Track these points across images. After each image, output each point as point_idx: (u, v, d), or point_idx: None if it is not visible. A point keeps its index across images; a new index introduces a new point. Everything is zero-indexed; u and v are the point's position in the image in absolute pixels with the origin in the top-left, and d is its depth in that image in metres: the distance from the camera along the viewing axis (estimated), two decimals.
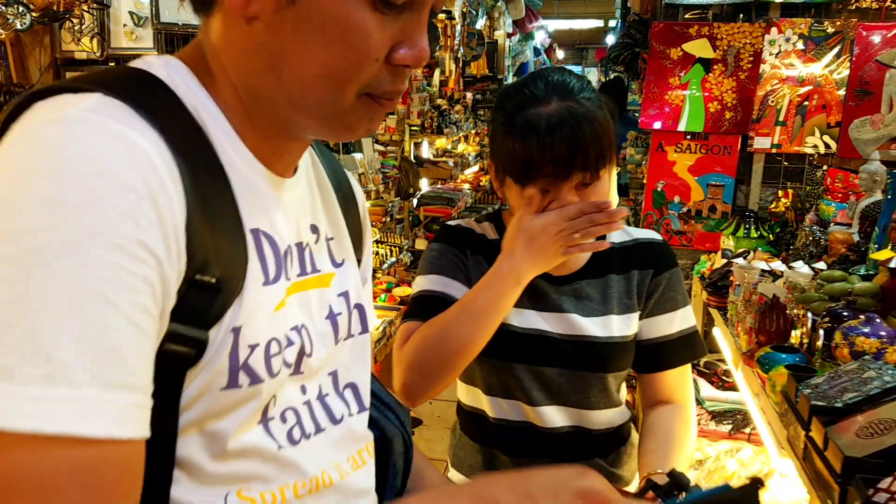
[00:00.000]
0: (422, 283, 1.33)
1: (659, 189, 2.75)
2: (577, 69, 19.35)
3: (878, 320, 1.41)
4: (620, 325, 1.30)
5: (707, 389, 2.24)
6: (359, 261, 0.89)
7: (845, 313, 1.51)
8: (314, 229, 0.77)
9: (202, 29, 0.67)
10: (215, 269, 0.60)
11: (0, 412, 0.47)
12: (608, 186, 1.23)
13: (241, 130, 0.66)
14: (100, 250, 0.51)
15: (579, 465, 0.68)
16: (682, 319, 1.34)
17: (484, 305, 1.20)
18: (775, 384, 1.46)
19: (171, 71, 0.64)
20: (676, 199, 2.75)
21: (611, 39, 11.23)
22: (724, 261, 2.40)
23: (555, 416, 1.29)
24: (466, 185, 7.18)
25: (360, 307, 0.82)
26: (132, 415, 0.53)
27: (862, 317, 1.45)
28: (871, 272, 1.72)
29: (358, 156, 4.30)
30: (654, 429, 1.32)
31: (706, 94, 2.63)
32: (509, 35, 9.38)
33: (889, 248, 1.69)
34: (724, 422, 2.14)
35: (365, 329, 0.83)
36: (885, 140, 2.40)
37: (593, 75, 17.56)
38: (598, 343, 1.28)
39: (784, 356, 1.55)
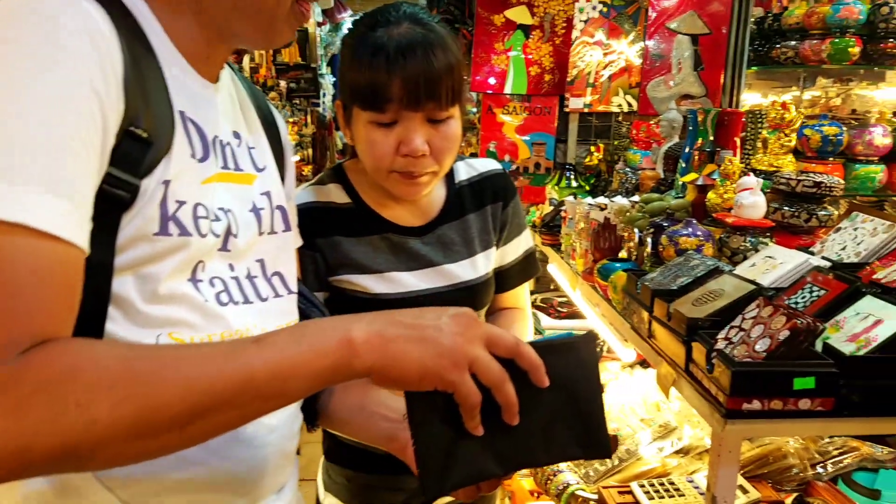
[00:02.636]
0: None
1: (491, 149, 2.95)
2: None
3: (695, 223, 1.64)
4: (484, 263, 1.35)
5: (546, 320, 2.44)
6: (282, 178, 0.95)
7: (666, 223, 1.74)
8: (236, 135, 0.84)
9: None
10: (147, 126, 0.68)
11: None
12: (458, 132, 1.19)
13: (170, 34, 0.75)
14: (54, 84, 0.60)
15: None
16: (525, 241, 1.45)
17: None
18: (616, 286, 1.64)
19: None
20: (507, 157, 2.96)
21: None
22: (552, 208, 2.62)
23: None
24: None
25: (282, 209, 0.89)
26: (73, 223, 0.60)
27: (681, 223, 1.68)
28: (680, 195, 1.99)
29: None
30: (497, 323, 1.44)
31: (527, 58, 2.86)
32: (319, 24, 9.34)
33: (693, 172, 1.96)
34: None
35: (288, 228, 0.90)
36: (677, 97, 2.76)
37: None
38: (472, 286, 1.33)
39: (619, 265, 1.74)
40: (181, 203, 0.71)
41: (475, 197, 1.35)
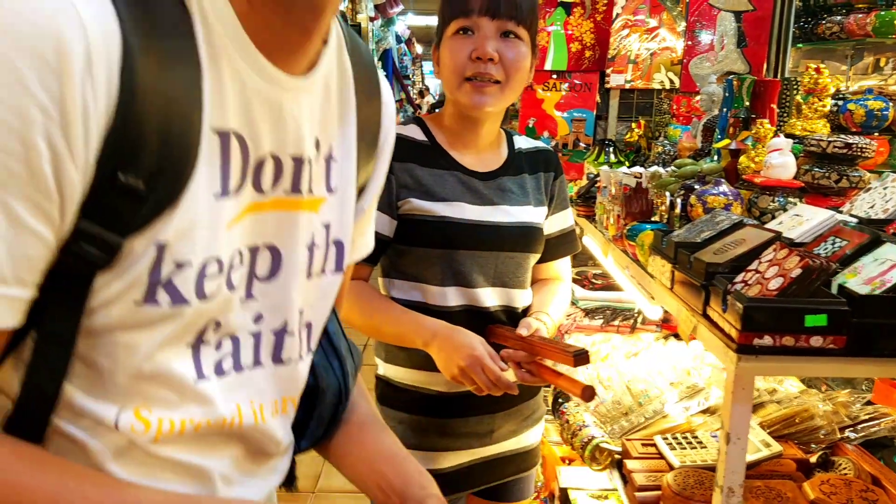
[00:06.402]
0: None
1: (531, 125, 3.00)
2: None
3: (724, 182, 1.66)
4: (537, 215, 1.51)
5: (580, 292, 2.47)
6: (363, 186, 0.78)
7: (697, 185, 1.76)
8: (317, 145, 0.66)
9: None
10: (144, 171, 0.51)
11: None
12: (528, 58, 1.37)
13: (244, 18, 0.57)
14: None
15: None
16: (568, 218, 1.62)
17: (402, 334, 1.39)
18: (644, 244, 1.68)
19: None
20: (546, 134, 3.01)
21: None
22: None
23: (490, 297, 1.45)
24: None
25: (339, 244, 0.72)
26: None
27: (711, 183, 1.70)
28: (714, 162, 2.00)
29: None
30: (537, 288, 1.58)
31: (568, 34, 2.90)
32: (372, 19, 9.51)
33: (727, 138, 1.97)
34: (596, 317, 2.38)
35: (339, 268, 0.74)
36: (720, 74, 2.75)
37: None
38: (528, 227, 1.48)
39: (648, 226, 1.77)
40: (182, 265, 0.56)
41: (531, 163, 1.54)
